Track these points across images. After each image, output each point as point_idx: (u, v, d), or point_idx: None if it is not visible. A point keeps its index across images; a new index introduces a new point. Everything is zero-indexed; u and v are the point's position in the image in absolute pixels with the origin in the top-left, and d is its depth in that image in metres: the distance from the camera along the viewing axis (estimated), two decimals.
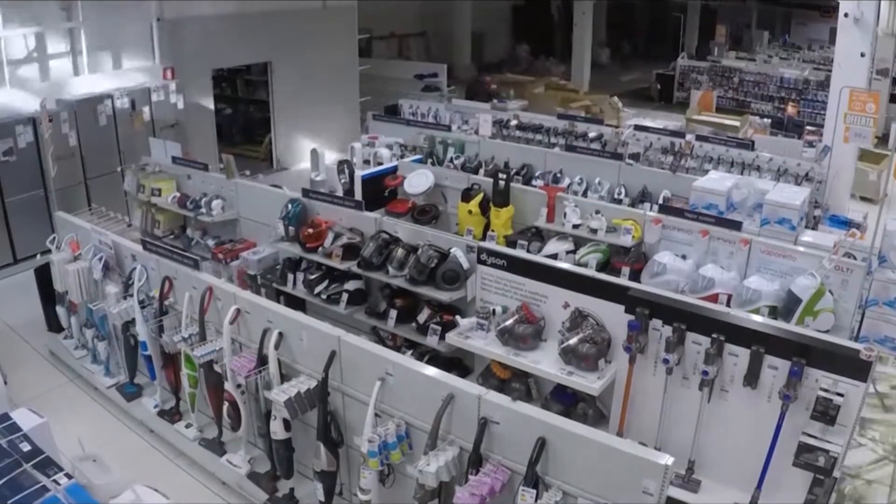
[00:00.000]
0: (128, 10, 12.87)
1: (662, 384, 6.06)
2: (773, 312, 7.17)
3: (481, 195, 9.29)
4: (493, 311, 6.88)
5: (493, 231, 9.08)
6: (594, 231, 8.65)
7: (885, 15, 17.36)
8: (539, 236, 9.03)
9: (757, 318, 5.89)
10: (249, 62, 16.65)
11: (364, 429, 5.35)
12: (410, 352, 7.68)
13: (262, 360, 6.16)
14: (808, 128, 15.02)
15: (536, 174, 11.14)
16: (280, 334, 6.10)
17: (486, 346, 6.79)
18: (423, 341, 7.67)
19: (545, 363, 6.45)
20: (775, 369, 5.45)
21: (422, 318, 7.73)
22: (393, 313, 7.91)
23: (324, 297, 8.30)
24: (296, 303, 8.68)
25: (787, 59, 27.68)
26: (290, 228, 8.64)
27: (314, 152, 11.93)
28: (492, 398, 5.00)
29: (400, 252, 7.78)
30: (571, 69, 27.73)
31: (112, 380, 8.19)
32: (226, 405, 6.43)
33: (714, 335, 5.65)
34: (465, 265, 7.43)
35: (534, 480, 4.67)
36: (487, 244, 7.31)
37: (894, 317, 7.60)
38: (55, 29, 11.96)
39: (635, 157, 11.75)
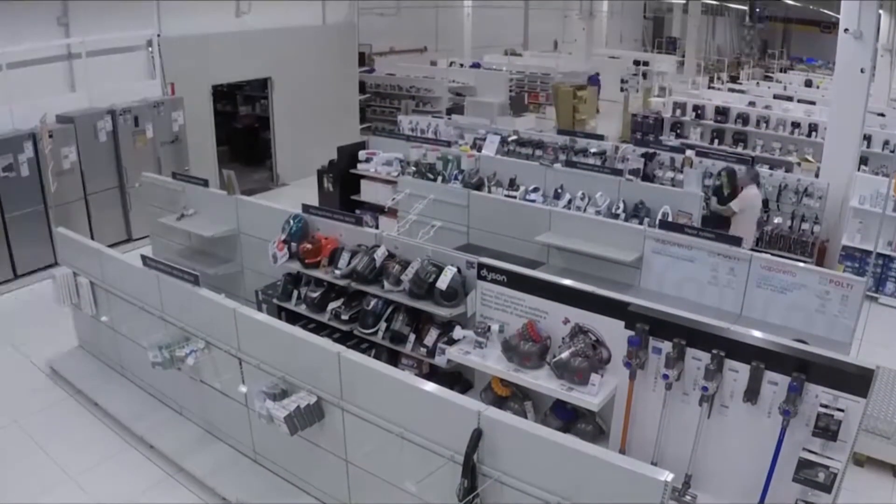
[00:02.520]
0: (127, 26, 12.90)
1: (662, 400, 6.05)
2: None
3: None
4: (489, 327, 6.88)
5: None
6: None
7: (886, 31, 17.46)
8: None
9: (757, 333, 5.88)
10: (249, 78, 16.70)
11: None
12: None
13: None
14: None
15: (531, 188, 11.13)
16: None
17: (485, 361, 6.79)
18: (433, 362, 7.65)
19: (544, 379, 6.44)
20: (775, 385, 5.43)
21: (429, 340, 7.70)
22: (412, 337, 7.87)
23: (345, 317, 8.20)
24: (296, 319, 8.67)
25: None
26: (292, 244, 8.64)
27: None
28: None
29: (396, 268, 7.78)
30: None
31: None
32: None
33: (714, 351, 5.64)
34: (444, 286, 7.40)
35: None
36: (487, 260, 7.30)
37: None
38: (54, 45, 11.99)
39: (636, 172, 11.76)
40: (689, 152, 12.46)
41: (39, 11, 11.69)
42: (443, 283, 7.38)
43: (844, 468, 5.23)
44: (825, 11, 36.73)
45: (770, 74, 32.09)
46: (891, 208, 11.02)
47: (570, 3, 34.56)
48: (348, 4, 18.13)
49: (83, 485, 6.94)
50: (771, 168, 12.87)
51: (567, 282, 6.82)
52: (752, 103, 18.41)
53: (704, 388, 5.63)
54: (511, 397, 6.97)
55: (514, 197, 11.01)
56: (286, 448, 6.65)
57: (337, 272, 8.07)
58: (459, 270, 7.43)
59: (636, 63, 31.72)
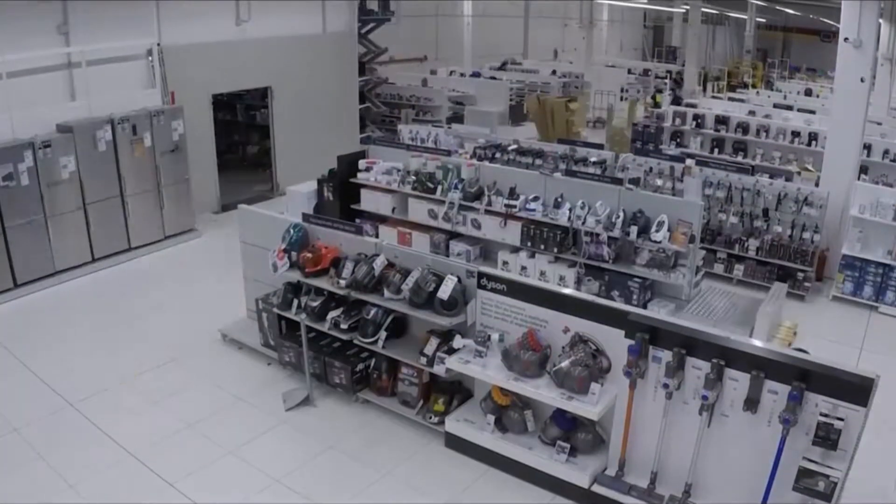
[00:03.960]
0: (127, 35, 12.90)
1: (662, 409, 6.05)
2: None
3: None
4: (489, 336, 6.89)
5: None
6: None
7: (885, 40, 17.48)
8: None
9: (756, 342, 5.87)
10: (250, 87, 16.71)
11: None
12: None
13: None
14: None
15: (531, 197, 11.11)
16: None
17: (485, 370, 6.79)
18: (433, 371, 7.66)
19: (545, 388, 6.44)
20: (775, 394, 5.44)
21: (429, 349, 7.69)
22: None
23: (344, 326, 8.24)
24: (297, 327, 8.69)
25: None
26: (292, 253, 8.65)
27: None
28: None
29: (396, 276, 7.78)
30: None
31: None
32: None
33: (714, 360, 5.64)
34: (445, 296, 7.40)
35: None
36: (488, 269, 7.30)
37: None
38: (54, 54, 11.99)
39: (636, 181, 11.74)
40: (689, 161, 12.46)
41: (39, 20, 11.68)
42: (444, 292, 7.39)
43: (845, 477, 5.22)
44: (825, 20, 36.75)
45: (771, 80, 32.12)
46: (890, 217, 11.05)
47: (569, 10, 34.62)
48: (348, 13, 18.16)
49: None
50: (771, 177, 12.86)
51: (567, 291, 6.83)
52: (752, 112, 18.42)
53: (704, 397, 5.64)
54: (511, 406, 6.97)
55: (515, 206, 11.01)
56: None
57: (342, 282, 8.08)
58: (459, 280, 7.44)
59: (646, 73, 31.81)
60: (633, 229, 10.09)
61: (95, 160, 11.96)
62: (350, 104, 18.82)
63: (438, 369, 7.51)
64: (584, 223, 10.42)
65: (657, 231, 9.92)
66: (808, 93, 25.96)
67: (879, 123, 16.65)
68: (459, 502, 6.89)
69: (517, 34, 34.65)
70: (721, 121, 17.49)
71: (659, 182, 12.34)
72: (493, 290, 7.06)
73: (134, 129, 12.47)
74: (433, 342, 7.68)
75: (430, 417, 7.76)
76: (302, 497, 6.90)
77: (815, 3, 31.85)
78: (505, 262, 11.21)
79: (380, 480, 7.16)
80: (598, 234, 10.33)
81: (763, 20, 43.78)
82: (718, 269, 12.11)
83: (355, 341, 8.13)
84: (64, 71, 12.27)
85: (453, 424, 7.53)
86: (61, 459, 7.40)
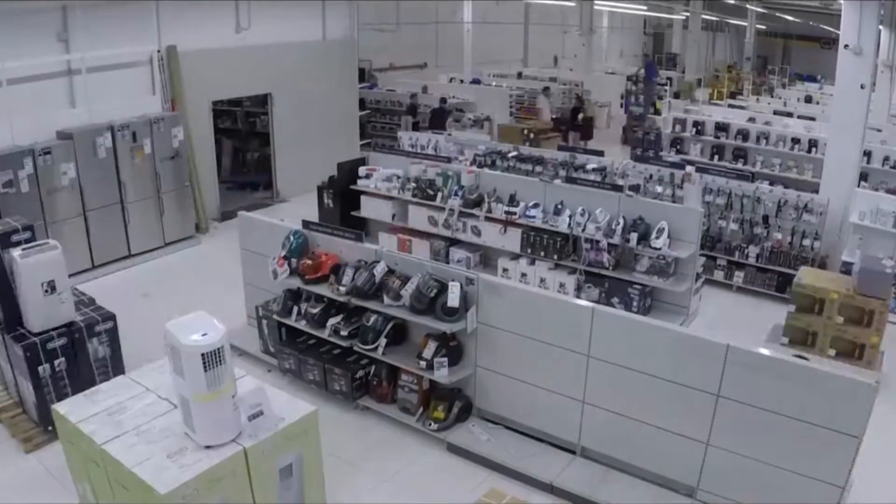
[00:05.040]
0: (127, 42, 12.90)
1: None
2: None
3: None
4: None
5: None
6: None
7: (885, 47, 17.49)
8: None
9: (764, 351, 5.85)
10: (250, 94, 16.71)
11: None
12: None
13: None
14: None
15: (532, 203, 11.11)
16: None
17: None
18: (432, 377, 7.67)
19: None
20: None
21: (427, 353, 7.68)
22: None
23: (344, 333, 8.23)
24: (297, 334, 8.69)
25: None
26: (293, 260, 8.65)
27: None
28: None
29: (396, 282, 7.78)
30: None
31: None
32: None
33: None
34: (455, 303, 7.39)
35: None
36: (487, 276, 7.28)
37: None
38: (54, 61, 12.00)
39: (635, 188, 11.75)
40: (689, 168, 12.45)
41: (39, 27, 11.67)
42: (453, 300, 7.37)
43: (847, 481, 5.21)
44: (825, 27, 36.81)
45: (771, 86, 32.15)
46: (891, 224, 11.03)
47: (569, 17, 34.66)
48: (348, 20, 18.17)
49: None
50: (771, 184, 12.85)
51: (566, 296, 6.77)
52: (752, 119, 18.39)
53: None
54: None
55: (515, 213, 11.02)
56: None
57: (342, 288, 8.07)
58: (461, 286, 7.43)
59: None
60: (633, 236, 10.11)
61: (95, 167, 11.95)
62: (350, 111, 18.83)
63: (439, 375, 7.51)
64: (584, 230, 10.44)
65: (657, 238, 9.93)
66: (808, 99, 25.94)
67: (879, 130, 16.63)
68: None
69: (517, 41, 34.68)
70: (721, 128, 17.48)
71: (659, 189, 12.33)
72: None
73: (134, 136, 12.46)
74: (431, 345, 7.68)
75: (430, 424, 7.75)
76: None
77: (816, 10, 31.88)
78: (505, 269, 11.21)
79: (380, 487, 7.15)
80: (598, 241, 10.34)
81: (763, 27, 43.80)
82: (718, 275, 12.09)
83: (355, 348, 8.11)
84: (64, 78, 12.26)
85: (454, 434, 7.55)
86: (58, 463, 7.40)
